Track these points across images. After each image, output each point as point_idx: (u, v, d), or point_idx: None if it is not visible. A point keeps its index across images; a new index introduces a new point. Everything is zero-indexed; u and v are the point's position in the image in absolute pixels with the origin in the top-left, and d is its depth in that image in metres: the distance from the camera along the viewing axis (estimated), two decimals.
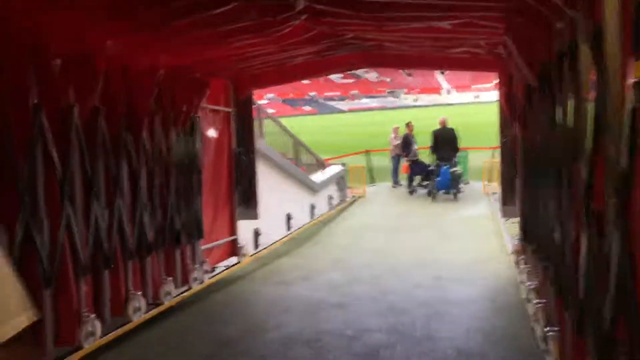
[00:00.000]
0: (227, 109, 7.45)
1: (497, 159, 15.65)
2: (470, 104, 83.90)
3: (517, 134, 5.94)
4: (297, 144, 11.50)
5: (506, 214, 7.07)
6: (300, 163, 11.60)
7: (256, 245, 8.93)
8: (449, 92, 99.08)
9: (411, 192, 14.89)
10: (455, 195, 13.68)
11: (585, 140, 2.55)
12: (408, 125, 15.42)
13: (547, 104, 3.95)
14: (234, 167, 7.54)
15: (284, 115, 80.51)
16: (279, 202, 10.05)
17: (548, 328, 3.81)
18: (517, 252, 6.39)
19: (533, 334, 4.50)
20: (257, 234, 8.90)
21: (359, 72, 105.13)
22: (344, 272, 7.62)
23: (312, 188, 11.83)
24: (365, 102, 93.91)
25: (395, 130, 15.99)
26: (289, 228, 10.35)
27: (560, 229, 3.33)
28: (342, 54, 6.46)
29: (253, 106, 8.68)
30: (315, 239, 10.31)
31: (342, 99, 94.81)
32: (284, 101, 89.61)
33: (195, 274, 6.30)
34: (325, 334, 5.01)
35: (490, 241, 9.13)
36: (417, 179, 14.87)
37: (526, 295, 4.99)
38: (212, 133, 7.10)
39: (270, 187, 9.68)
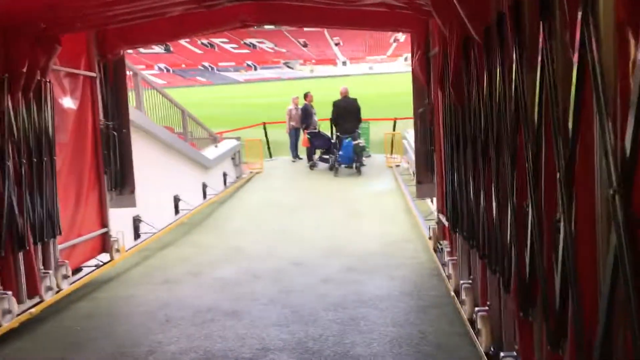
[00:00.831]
0: (89, 73, 6.01)
1: (400, 131, 15.20)
2: (365, 74, 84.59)
3: (438, 102, 5.11)
4: (186, 117, 10.13)
5: (422, 194, 6.28)
6: (189, 138, 10.25)
7: (137, 235, 7.59)
8: (344, 63, 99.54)
9: (312, 166, 14.00)
10: (358, 169, 12.96)
11: (529, 110, 2.39)
12: (307, 95, 14.42)
13: (490, 65, 3.11)
14: (102, 145, 6.15)
15: (175, 86, 77.25)
16: (163, 183, 8.73)
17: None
18: (437, 237, 5.64)
19: (474, 343, 3.69)
20: (137, 222, 7.55)
21: (254, 41, 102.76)
22: (240, 264, 6.53)
23: (204, 165, 10.55)
24: (261, 72, 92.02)
25: (295, 100, 14.89)
26: (177, 212, 9.07)
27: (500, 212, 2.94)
28: (230, 4, 5.25)
29: (128, 72, 7.26)
30: (208, 223, 9.13)
31: (237, 69, 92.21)
32: (175, 71, 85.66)
33: (48, 282, 4.94)
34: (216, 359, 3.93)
35: (401, 220, 8.42)
36: (318, 152, 14.01)
37: (459, 296, 4.19)
38: (69, 103, 5.66)
39: (152, 166, 8.35)
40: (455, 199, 4.39)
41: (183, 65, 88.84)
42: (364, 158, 13.73)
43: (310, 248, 7.11)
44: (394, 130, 15.63)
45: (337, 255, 6.62)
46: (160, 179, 8.57)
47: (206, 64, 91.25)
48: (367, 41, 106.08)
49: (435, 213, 5.64)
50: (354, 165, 12.98)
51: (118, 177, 6.51)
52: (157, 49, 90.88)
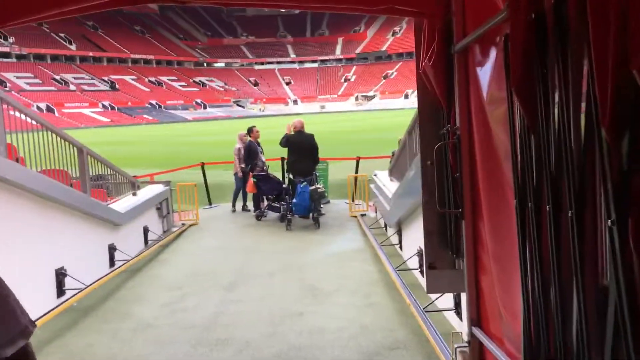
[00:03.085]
0: None
1: (365, 172, 12.88)
2: (317, 113, 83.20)
3: (473, 126, 2.76)
4: (85, 158, 7.42)
5: (437, 287, 3.74)
6: (90, 185, 7.55)
7: None
8: (295, 102, 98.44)
9: (259, 216, 11.43)
10: (316, 220, 10.47)
11: None
12: (251, 130, 11.90)
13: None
14: None
15: (120, 124, 73.59)
16: (39, 252, 6.00)
17: None
18: None
19: None
20: None
21: (204, 79, 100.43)
22: None
23: (112, 221, 7.83)
24: (211, 111, 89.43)
25: (242, 137, 12.26)
26: (60, 293, 6.31)
27: None
28: None
29: None
30: (106, 308, 6.39)
31: (185, 107, 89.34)
32: (120, 109, 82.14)
33: None
34: None
35: (382, 303, 5.92)
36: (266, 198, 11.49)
37: None
38: None
39: (18, 230, 5.64)
40: (538, 311, 1.99)
41: (129, 103, 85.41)
42: (322, 205, 11.30)
43: None
44: (356, 171, 13.28)
45: None
46: (32, 247, 5.85)
47: (153, 101, 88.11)
48: (319, 80, 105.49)
49: (466, 325, 3.16)
50: (311, 216, 10.51)
51: None
52: (102, 85, 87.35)
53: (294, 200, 10.37)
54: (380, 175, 10.44)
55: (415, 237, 6.38)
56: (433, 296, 5.32)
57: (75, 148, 7.30)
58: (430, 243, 3.65)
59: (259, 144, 11.88)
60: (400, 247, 8.11)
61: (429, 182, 3.48)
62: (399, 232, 8.03)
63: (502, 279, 2.68)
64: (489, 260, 2.85)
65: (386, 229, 9.55)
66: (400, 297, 5.92)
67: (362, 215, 11.35)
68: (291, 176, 10.86)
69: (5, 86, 75.09)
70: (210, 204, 13.27)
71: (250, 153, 11.61)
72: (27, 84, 79.72)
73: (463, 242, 3.21)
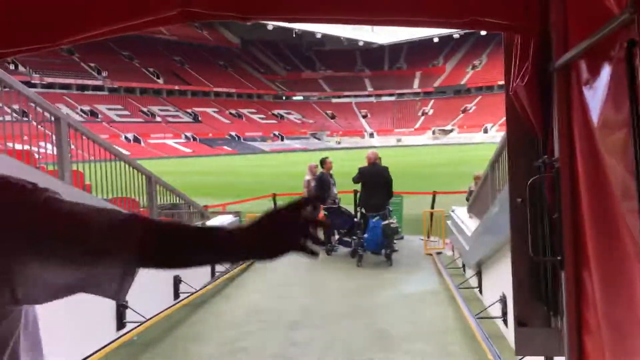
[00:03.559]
0: None
1: (441, 208, 12.24)
2: (393, 147, 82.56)
3: (584, 153, 2.25)
4: (153, 186, 7.33)
5: (530, 348, 3.16)
6: (157, 213, 7.45)
7: None
8: (372, 135, 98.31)
9: (329, 251, 11.02)
10: (389, 257, 9.92)
11: None
12: (324, 162, 11.59)
13: None
14: None
15: (201, 154, 76.07)
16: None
17: None
18: None
19: None
20: None
21: (282, 112, 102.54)
22: None
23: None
24: (288, 143, 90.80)
25: (313, 169, 12.02)
26: (120, 326, 6.13)
27: None
28: None
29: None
30: (165, 345, 6.14)
31: (264, 139, 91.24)
32: (201, 140, 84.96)
33: None
34: None
35: (460, 356, 5.31)
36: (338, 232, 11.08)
37: None
38: None
39: None
40: None
41: (210, 135, 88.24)
42: (395, 241, 10.76)
43: None
44: (432, 206, 12.65)
45: None
46: None
47: (233, 133, 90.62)
48: (395, 114, 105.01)
49: None
50: (384, 252, 9.98)
51: None
52: (185, 117, 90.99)
53: (366, 235, 9.90)
54: (458, 211, 9.81)
55: (497, 281, 5.76)
56: None
57: (144, 176, 7.23)
58: (520, 295, 3.09)
59: (331, 176, 11.54)
60: (480, 291, 7.43)
61: (519, 224, 2.95)
62: (479, 274, 7.36)
63: (618, 347, 2.11)
64: (597, 320, 2.29)
65: (464, 270, 8.88)
66: (480, 348, 5.29)
67: (438, 253, 10.70)
68: (363, 210, 10.41)
69: (97, 117, 79.69)
70: None
71: (323, 185, 11.28)
72: (117, 115, 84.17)
73: (562, 296, 2.65)
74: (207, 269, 9.20)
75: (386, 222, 9.79)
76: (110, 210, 1.08)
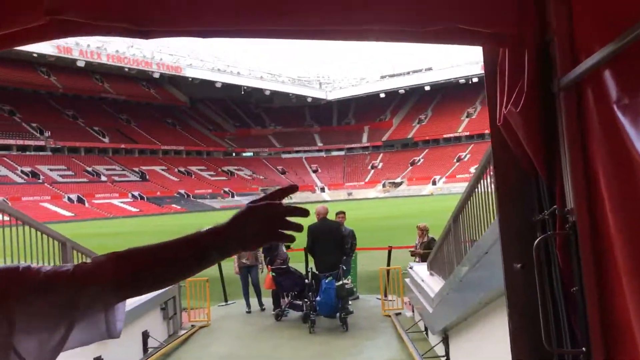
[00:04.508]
0: None
1: (398, 265, 11.52)
2: (344, 200, 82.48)
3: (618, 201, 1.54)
4: (68, 252, 6.33)
5: None
6: None
7: None
8: (322, 189, 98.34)
9: (278, 316, 10.07)
10: (344, 321, 9.06)
11: None
12: None
13: None
14: None
15: (149, 213, 73.72)
16: None
17: None
18: None
19: None
20: None
21: (233, 168, 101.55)
22: None
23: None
24: (239, 199, 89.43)
25: None
26: None
27: None
28: None
29: None
30: None
31: (213, 196, 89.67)
32: (149, 199, 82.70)
33: None
34: None
35: None
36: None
37: None
38: None
39: None
40: None
41: (158, 193, 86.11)
42: (350, 301, 9.94)
43: None
44: (388, 262, 11.92)
45: None
46: None
47: (182, 191, 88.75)
48: (345, 168, 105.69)
49: None
50: (338, 316, 9.13)
51: None
52: (132, 176, 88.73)
53: (318, 298, 9.04)
54: (417, 268, 9.11)
55: (473, 351, 5.01)
56: None
57: (57, 242, 6.23)
58: None
59: None
60: None
61: (519, 298, 2.22)
62: (446, 341, 6.59)
63: None
64: None
65: (427, 333, 8.11)
66: None
67: (397, 314, 9.91)
68: (314, 270, 9.58)
69: (39, 178, 76.66)
70: (226, 300, 11.95)
71: (271, 244, 10.40)
72: (60, 176, 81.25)
73: None
74: (138, 346, 8.08)
75: (340, 282, 8.99)
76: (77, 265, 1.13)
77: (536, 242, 2.05)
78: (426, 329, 8.14)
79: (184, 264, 1.16)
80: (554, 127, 1.99)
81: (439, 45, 2.32)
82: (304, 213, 1.21)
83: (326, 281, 9.01)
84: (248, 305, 10.95)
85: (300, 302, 9.87)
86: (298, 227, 1.18)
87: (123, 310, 1.12)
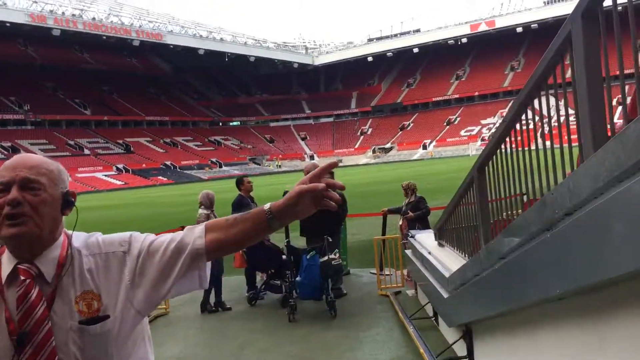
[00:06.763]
0: None
1: (396, 232, 9.72)
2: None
3: None
4: None
5: None
6: None
7: None
8: (312, 157, 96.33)
9: (251, 299, 8.29)
10: (332, 305, 7.28)
11: None
12: (242, 182, 8.89)
13: None
14: None
15: (135, 186, 71.50)
16: None
17: None
18: None
19: None
20: None
21: (220, 138, 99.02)
22: None
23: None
24: (226, 169, 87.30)
25: (209, 197, 8.25)
26: None
27: None
28: None
29: None
30: None
31: (201, 167, 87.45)
32: (134, 172, 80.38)
33: None
34: None
35: None
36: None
37: None
38: None
39: None
40: None
41: (144, 165, 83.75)
42: (342, 280, 8.16)
43: None
44: (384, 231, 10.12)
45: None
46: None
47: (168, 162, 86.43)
48: (334, 134, 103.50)
49: None
50: (326, 298, 7.36)
51: None
52: (117, 149, 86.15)
53: (298, 278, 7.26)
54: (421, 237, 7.30)
55: (503, 352, 3.21)
56: None
57: None
58: None
59: (252, 200, 8.85)
60: None
61: None
62: (468, 338, 4.79)
63: None
64: None
65: (437, 320, 6.36)
66: None
67: (397, 293, 8.15)
68: (291, 243, 7.72)
69: (19, 153, 74.05)
70: None
71: (241, 211, 8.56)
72: (41, 150, 78.58)
73: None
74: None
75: (325, 258, 7.18)
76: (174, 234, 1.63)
77: None
78: (435, 314, 6.37)
79: (255, 231, 1.54)
80: None
81: None
82: (341, 187, 1.54)
83: (307, 257, 7.20)
84: (205, 303, 8.11)
85: (279, 282, 8.10)
86: (338, 200, 1.51)
87: (209, 267, 1.56)
